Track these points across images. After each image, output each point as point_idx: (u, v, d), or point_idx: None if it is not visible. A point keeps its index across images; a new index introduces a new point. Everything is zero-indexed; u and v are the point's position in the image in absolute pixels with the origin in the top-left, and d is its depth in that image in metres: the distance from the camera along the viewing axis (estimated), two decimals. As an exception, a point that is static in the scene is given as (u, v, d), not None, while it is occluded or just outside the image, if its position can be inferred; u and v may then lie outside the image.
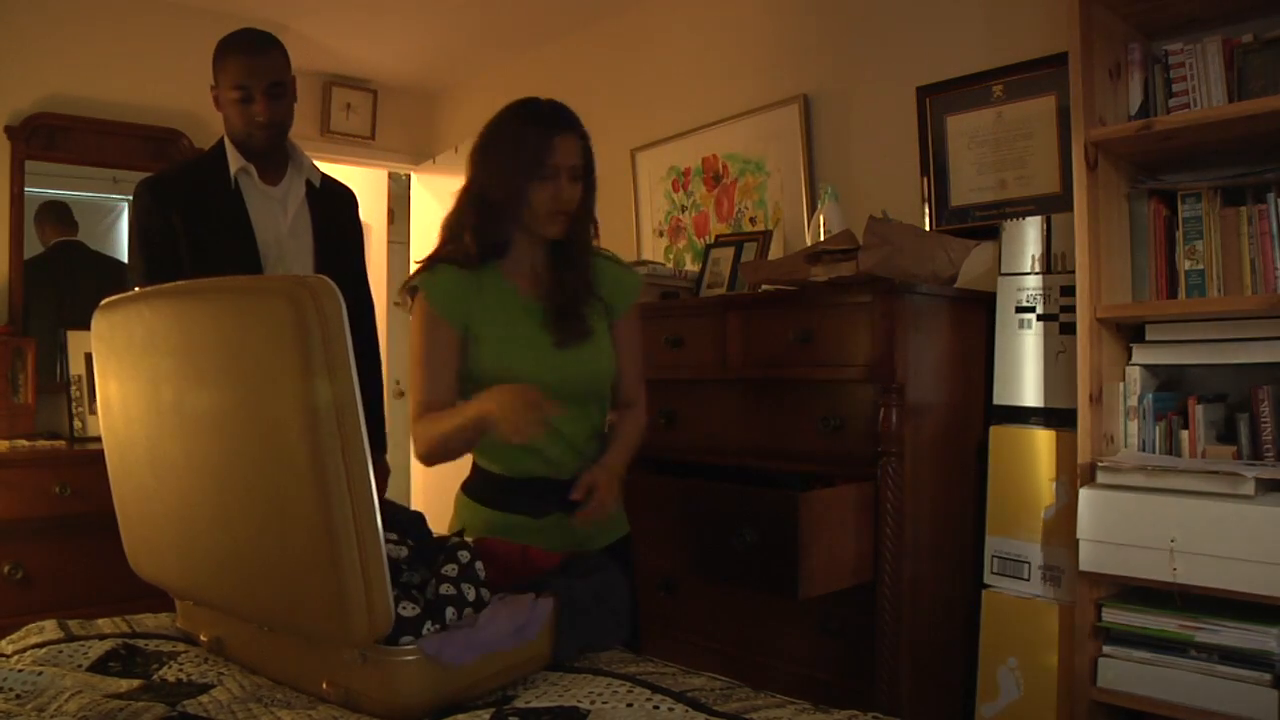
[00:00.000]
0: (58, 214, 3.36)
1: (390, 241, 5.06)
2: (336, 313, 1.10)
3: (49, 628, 1.54)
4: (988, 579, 2.15)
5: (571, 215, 1.66)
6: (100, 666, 1.39)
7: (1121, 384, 2.01)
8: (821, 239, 2.39)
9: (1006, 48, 2.47)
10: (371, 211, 5.07)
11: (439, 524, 1.57)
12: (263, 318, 1.15)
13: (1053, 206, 2.28)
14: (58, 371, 3.23)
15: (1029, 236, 2.14)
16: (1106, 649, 1.87)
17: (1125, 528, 1.81)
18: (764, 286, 2.43)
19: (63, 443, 3.01)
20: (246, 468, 1.21)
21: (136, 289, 1.97)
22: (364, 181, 4.88)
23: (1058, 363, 2.08)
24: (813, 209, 2.83)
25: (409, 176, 4.62)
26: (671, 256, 3.44)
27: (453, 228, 1.68)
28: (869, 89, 2.80)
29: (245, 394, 1.20)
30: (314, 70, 4.26)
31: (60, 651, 1.43)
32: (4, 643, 1.50)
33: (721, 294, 2.85)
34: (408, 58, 4.18)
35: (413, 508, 1.56)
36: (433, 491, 4.31)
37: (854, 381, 2.10)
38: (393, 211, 5.09)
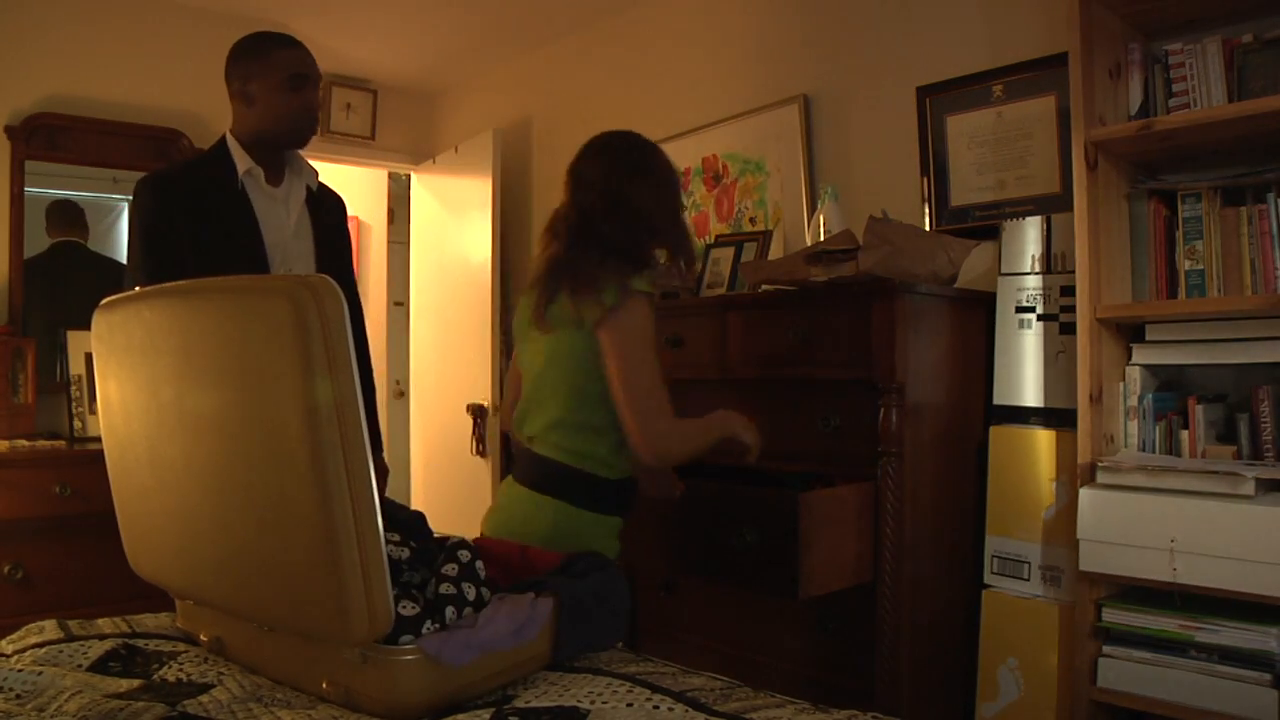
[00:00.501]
0: (67, 214, 3.37)
1: (390, 241, 5.06)
2: (338, 312, 1.10)
3: (49, 628, 1.54)
4: (988, 579, 2.15)
5: None
6: (100, 666, 1.39)
7: (1121, 384, 2.01)
8: (821, 239, 2.39)
9: (1006, 48, 2.47)
10: (372, 211, 5.08)
11: (439, 524, 1.57)
12: (263, 317, 1.15)
13: (1053, 206, 2.28)
14: (58, 371, 3.23)
15: (1029, 236, 2.14)
16: (1106, 649, 1.87)
17: (1125, 528, 1.81)
18: (764, 286, 2.43)
19: (63, 443, 3.01)
20: (247, 467, 1.21)
21: (136, 289, 1.97)
22: (364, 181, 4.88)
23: (1058, 363, 2.08)
24: (813, 209, 2.83)
25: (409, 176, 4.62)
26: (671, 256, 3.43)
27: (634, 234, 1.76)
28: (869, 89, 2.80)
29: (245, 394, 1.20)
30: (314, 70, 4.26)
31: (60, 651, 1.43)
32: (4, 643, 1.50)
33: (721, 294, 2.85)
34: (408, 58, 4.18)
35: (412, 508, 1.56)
36: (433, 491, 4.31)
37: (854, 381, 2.10)
38: (393, 211, 5.09)
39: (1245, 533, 1.67)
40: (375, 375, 2.47)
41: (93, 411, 3.15)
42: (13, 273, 3.19)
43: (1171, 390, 2.05)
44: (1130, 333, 2.04)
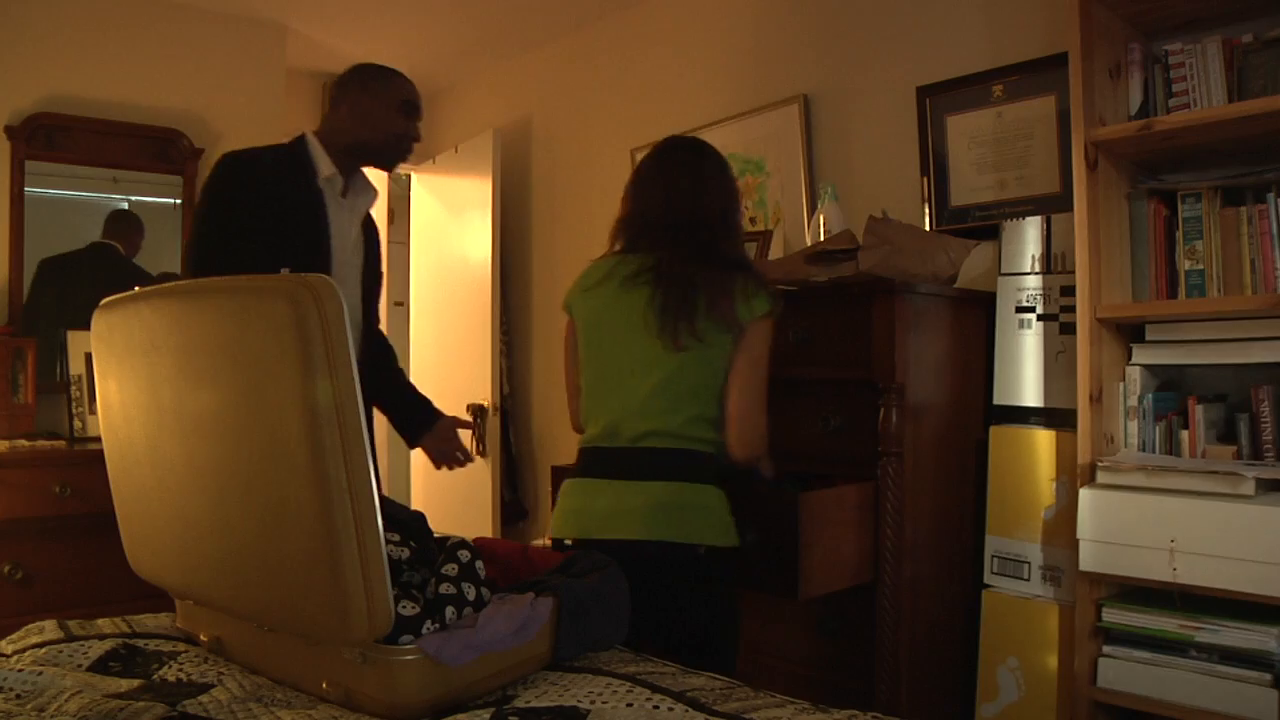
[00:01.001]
0: (119, 221, 3.43)
1: (390, 241, 5.05)
2: (337, 313, 1.10)
3: (49, 628, 1.54)
4: (988, 579, 2.15)
5: None
6: (100, 666, 1.39)
7: (1121, 384, 2.01)
8: (821, 239, 2.39)
9: (1006, 48, 2.47)
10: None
11: (439, 524, 1.57)
12: (263, 317, 1.15)
13: (1053, 206, 2.28)
14: (58, 371, 3.23)
15: (1029, 236, 2.14)
16: (1106, 649, 1.87)
17: (1125, 528, 1.81)
18: (764, 286, 2.43)
19: (63, 443, 3.01)
20: (247, 468, 1.21)
21: (190, 265, 1.99)
22: (364, 181, 4.88)
23: (1058, 363, 2.08)
24: (813, 209, 2.83)
25: (409, 176, 4.62)
26: (671, 256, 3.43)
27: (739, 244, 1.93)
28: (869, 89, 2.80)
29: (245, 394, 1.20)
30: (314, 70, 4.26)
31: (60, 651, 1.43)
32: (4, 643, 1.50)
33: (721, 294, 2.84)
34: (407, 58, 4.17)
35: (412, 508, 1.56)
36: (433, 491, 4.31)
37: (854, 381, 2.10)
38: (393, 211, 5.08)
39: (1245, 533, 1.67)
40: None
41: (93, 411, 3.15)
42: (13, 273, 3.19)
43: (1171, 390, 2.05)
44: (1130, 333, 2.04)
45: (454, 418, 2.37)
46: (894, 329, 2.03)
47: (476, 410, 3.91)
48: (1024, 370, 2.13)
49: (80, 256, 3.36)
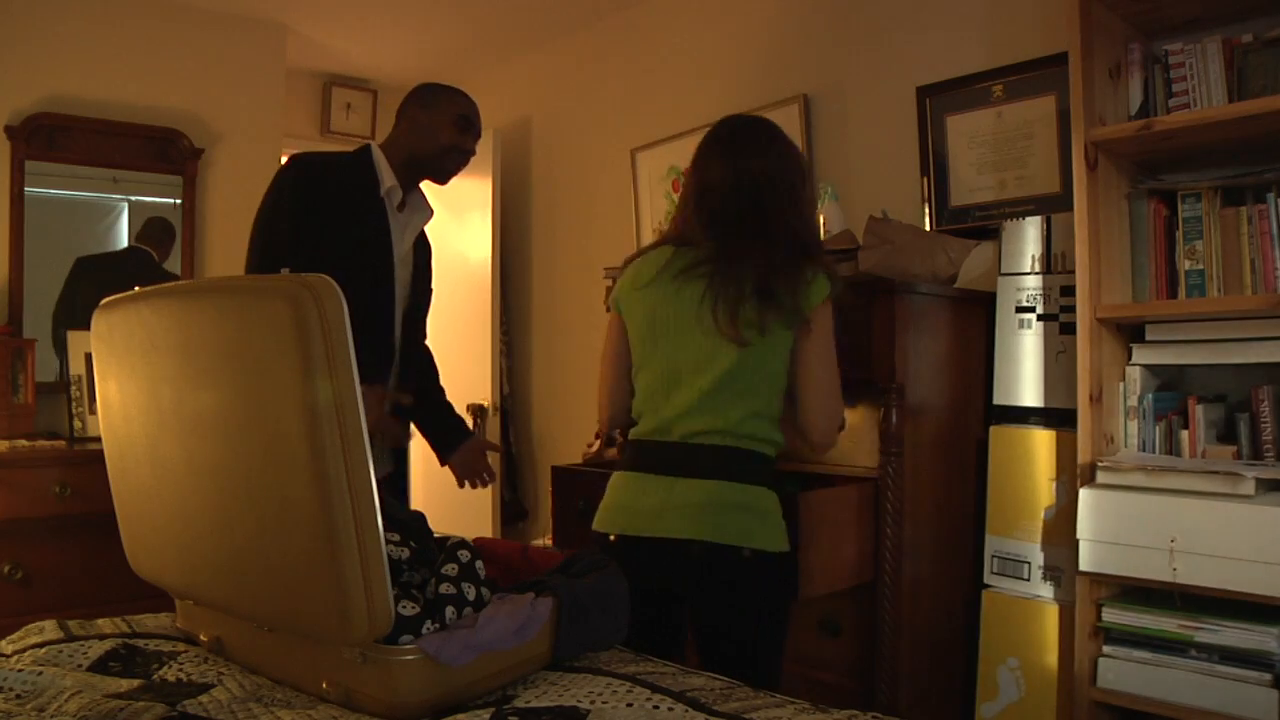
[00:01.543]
0: (153, 228, 3.47)
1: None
2: (338, 313, 1.10)
3: (49, 628, 1.54)
4: (988, 579, 2.15)
5: None
6: (100, 666, 1.39)
7: (1121, 384, 2.01)
8: (821, 239, 2.39)
9: (1006, 48, 2.47)
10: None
11: (439, 524, 1.57)
12: (263, 317, 1.15)
13: (1053, 206, 2.28)
14: (58, 371, 3.23)
15: (1029, 236, 2.14)
16: (1106, 649, 1.87)
17: (1125, 528, 1.82)
18: (764, 286, 2.43)
19: (63, 443, 3.00)
20: (247, 468, 1.21)
21: (255, 261, 2.02)
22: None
23: (1058, 363, 2.08)
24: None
25: (409, 176, 4.62)
26: (671, 256, 3.43)
27: (812, 225, 1.86)
28: (869, 89, 2.80)
29: (246, 394, 1.20)
30: (314, 70, 4.26)
31: (60, 651, 1.43)
32: (4, 643, 1.50)
33: (721, 294, 2.84)
34: (408, 58, 4.18)
35: (412, 508, 1.56)
36: (433, 491, 4.31)
37: (854, 381, 2.10)
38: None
39: (1245, 533, 1.67)
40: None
41: (93, 411, 3.15)
42: (13, 273, 3.19)
43: (1171, 390, 2.05)
44: (1130, 333, 2.04)
45: (485, 440, 2.41)
46: (894, 329, 2.03)
47: (476, 410, 3.91)
48: (1024, 370, 2.13)
49: (118, 257, 3.42)
